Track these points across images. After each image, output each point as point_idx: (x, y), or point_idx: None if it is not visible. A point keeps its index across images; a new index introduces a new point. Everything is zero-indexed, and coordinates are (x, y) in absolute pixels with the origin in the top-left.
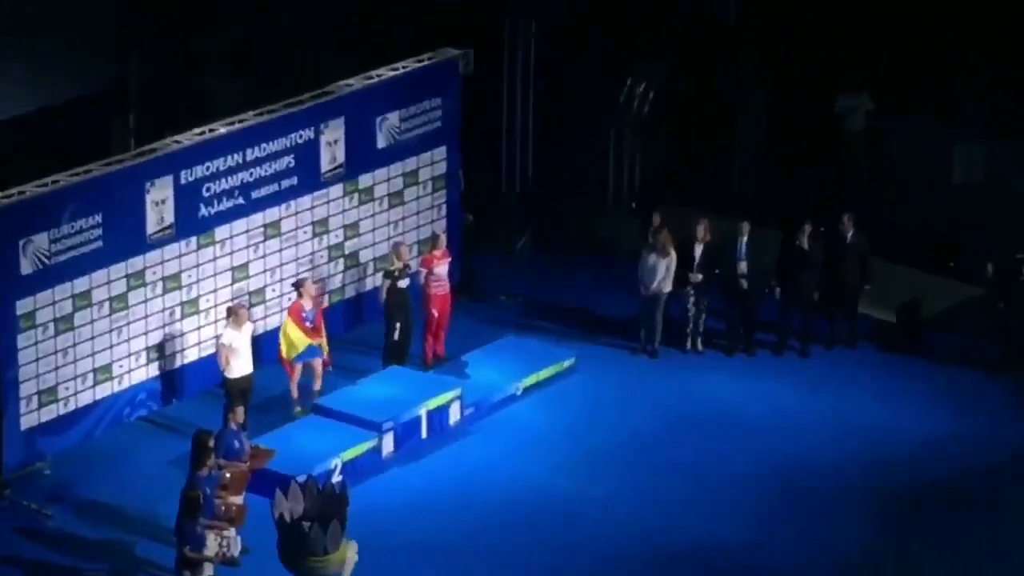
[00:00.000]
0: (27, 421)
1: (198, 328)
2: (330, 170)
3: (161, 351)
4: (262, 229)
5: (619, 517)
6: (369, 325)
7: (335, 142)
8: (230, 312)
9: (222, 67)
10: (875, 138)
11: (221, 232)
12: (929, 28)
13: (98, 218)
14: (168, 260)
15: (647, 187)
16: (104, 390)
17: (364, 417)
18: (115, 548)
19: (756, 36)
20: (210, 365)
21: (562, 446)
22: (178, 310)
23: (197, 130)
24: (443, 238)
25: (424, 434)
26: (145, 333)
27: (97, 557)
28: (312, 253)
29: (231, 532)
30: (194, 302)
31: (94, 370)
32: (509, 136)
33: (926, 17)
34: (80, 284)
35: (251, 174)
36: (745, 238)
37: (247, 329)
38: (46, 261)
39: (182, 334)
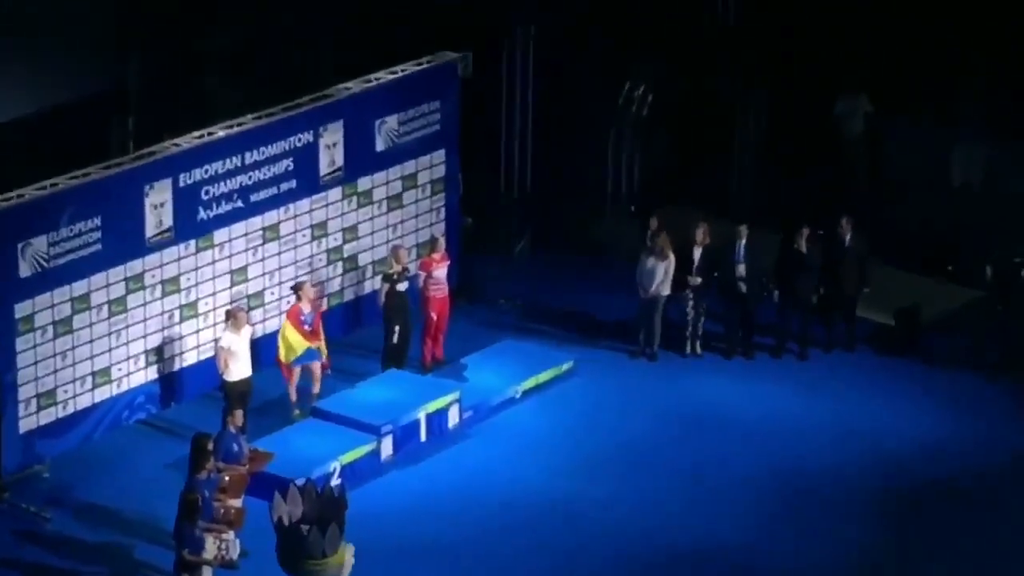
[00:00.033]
0: (26, 424)
1: (197, 331)
2: (329, 173)
3: (160, 354)
4: (261, 232)
5: (619, 520)
6: (368, 328)
7: (334, 145)
8: (229, 315)
9: (222, 68)
10: (874, 140)
11: (220, 235)
12: (927, 30)
13: (97, 221)
14: (167, 263)
15: (646, 189)
16: (103, 393)
17: (363, 420)
18: (114, 551)
19: (756, 37)
20: (209, 368)
21: (561, 449)
22: (177, 313)
23: (196, 133)
24: (442, 241)
25: (423, 437)
26: (144, 336)
27: (96, 560)
28: (311, 256)
29: (230, 535)
30: (193, 305)
31: (93, 373)
32: (508, 139)
33: (924, 19)
34: (79, 287)
35: (250, 177)
36: (744, 241)
37: (246, 332)
38: (45, 264)
39: (181, 337)
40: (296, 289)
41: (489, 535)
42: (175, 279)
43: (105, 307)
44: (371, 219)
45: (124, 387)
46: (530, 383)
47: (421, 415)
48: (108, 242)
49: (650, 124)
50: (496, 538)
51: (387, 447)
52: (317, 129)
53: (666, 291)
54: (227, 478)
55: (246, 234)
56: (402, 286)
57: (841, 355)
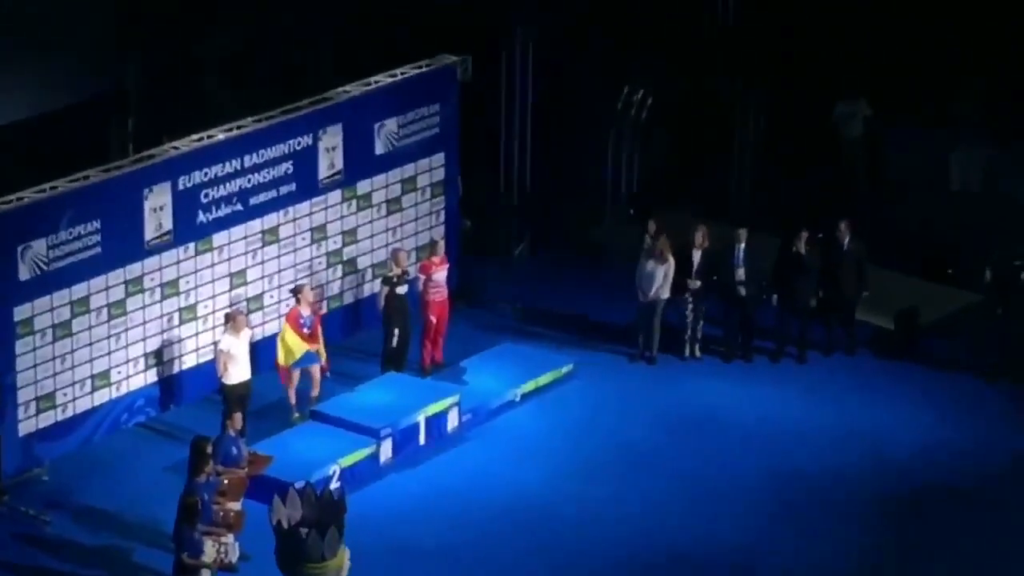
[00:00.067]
0: (25, 427)
1: (196, 334)
2: (328, 176)
3: (159, 357)
4: (260, 235)
5: (618, 522)
6: (367, 331)
7: (333, 148)
8: (228, 318)
9: (221, 70)
10: (873, 144)
11: (219, 238)
12: (927, 31)
13: (96, 224)
14: (166, 266)
15: (645, 189)
16: (102, 396)
17: (362, 423)
18: (113, 554)
19: (756, 37)
20: (208, 371)
21: (561, 452)
22: (176, 316)
23: (195, 136)
24: (441, 244)
25: (422, 440)
26: (143, 339)
27: (95, 563)
28: (310, 259)
29: (229, 538)
30: (192, 308)
31: (92, 376)
32: (507, 140)
33: (924, 20)
34: (78, 290)
35: (249, 180)
36: (743, 244)
37: (245, 335)
38: (44, 267)
39: (180, 340)
40: (295, 292)
41: (489, 538)
42: (174, 282)
43: (104, 310)
44: (370, 222)
45: (123, 390)
46: (529, 386)
47: (420, 418)
48: (107, 245)
49: (650, 125)
50: (496, 541)
51: (386, 450)
52: (316, 132)
53: (665, 294)
54: (226, 481)
55: (245, 237)
56: (402, 289)
57: (840, 358)
